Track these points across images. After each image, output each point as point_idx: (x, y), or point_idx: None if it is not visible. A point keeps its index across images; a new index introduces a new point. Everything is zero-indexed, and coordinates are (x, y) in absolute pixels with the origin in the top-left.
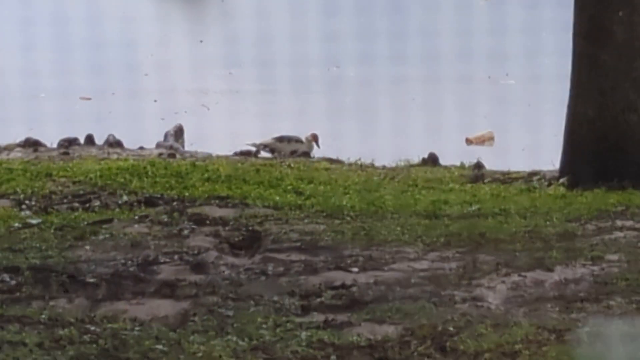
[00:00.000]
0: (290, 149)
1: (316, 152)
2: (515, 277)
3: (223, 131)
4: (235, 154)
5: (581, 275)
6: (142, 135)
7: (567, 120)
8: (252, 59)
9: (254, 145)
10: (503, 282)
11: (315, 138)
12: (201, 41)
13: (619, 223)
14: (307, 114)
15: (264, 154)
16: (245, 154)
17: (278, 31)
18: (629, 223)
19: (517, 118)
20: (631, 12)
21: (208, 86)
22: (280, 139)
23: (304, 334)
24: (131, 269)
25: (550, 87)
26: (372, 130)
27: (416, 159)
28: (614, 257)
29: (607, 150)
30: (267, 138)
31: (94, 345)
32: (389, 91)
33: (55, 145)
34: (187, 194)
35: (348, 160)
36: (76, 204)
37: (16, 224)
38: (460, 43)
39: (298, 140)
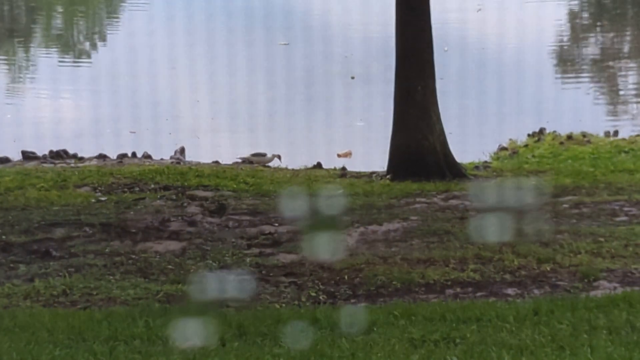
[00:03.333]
0: (260, 161)
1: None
2: (362, 229)
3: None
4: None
5: (397, 227)
6: (161, 151)
7: (391, 143)
8: None
9: (242, 158)
10: (356, 231)
11: (278, 157)
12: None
13: (418, 200)
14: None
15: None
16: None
17: None
18: (423, 200)
19: (366, 142)
20: (425, 87)
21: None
22: (255, 155)
23: (248, 260)
24: (155, 224)
25: (382, 126)
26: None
27: (310, 165)
28: (415, 217)
29: (412, 160)
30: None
31: (134, 266)
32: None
33: (115, 158)
34: (186, 184)
35: (273, 165)
36: (125, 190)
37: (93, 200)
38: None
39: (265, 156)
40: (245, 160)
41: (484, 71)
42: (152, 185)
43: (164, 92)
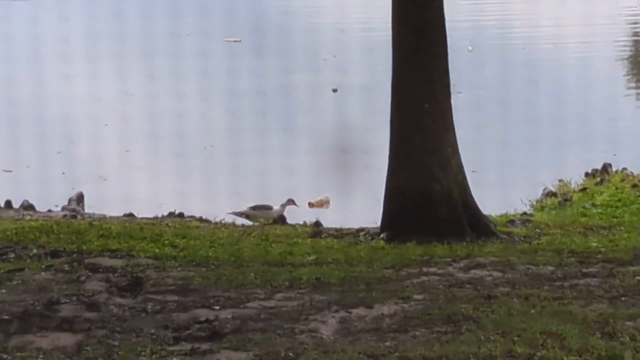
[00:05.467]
0: (266, 216)
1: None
2: (343, 313)
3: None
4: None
5: (394, 311)
6: (50, 199)
7: (386, 188)
8: None
9: (234, 213)
10: (333, 317)
11: (292, 202)
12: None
13: (424, 269)
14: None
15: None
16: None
17: None
18: (432, 269)
19: (350, 184)
20: (434, 105)
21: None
22: (256, 208)
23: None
24: (38, 308)
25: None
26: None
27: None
28: (420, 296)
29: (416, 213)
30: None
31: None
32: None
33: None
34: (84, 247)
35: (215, 220)
36: None
37: None
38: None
39: (268, 208)
40: (243, 215)
41: (524, 81)
42: (35, 250)
43: (55, 112)
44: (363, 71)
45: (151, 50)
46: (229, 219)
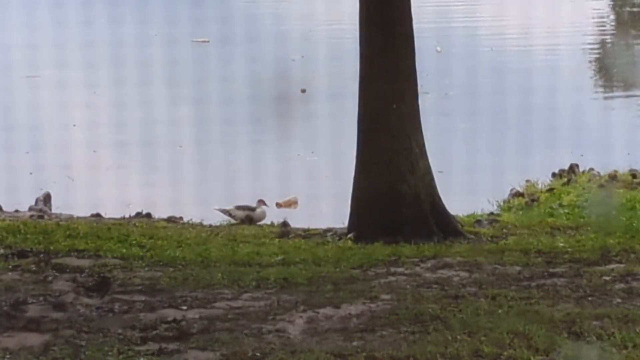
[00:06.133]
0: (251, 218)
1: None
2: (310, 313)
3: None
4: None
5: (362, 311)
6: (16, 200)
7: (354, 188)
8: None
9: (220, 210)
10: (301, 317)
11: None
12: None
13: (392, 270)
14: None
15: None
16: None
17: None
18: (399, 270)
19: (317, 185)
20: (402, 106)
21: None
22: (241, 208)
23: None
24: (4, 308)
25: (342, 161)
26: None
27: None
28: (387, 296)
29: (384, 212)
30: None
31: None
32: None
33: None
34: (52, 247)
35: (182, 220)
36: None
37: None
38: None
39: (252, 209)
40: (227, 213)
41: (492, 83)
42: (2, 251)
43: (24, 114)
44: (332, 72)
45: (120, 51)
46: (197, 219)
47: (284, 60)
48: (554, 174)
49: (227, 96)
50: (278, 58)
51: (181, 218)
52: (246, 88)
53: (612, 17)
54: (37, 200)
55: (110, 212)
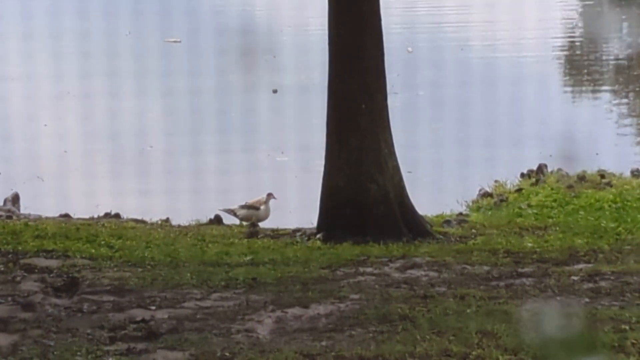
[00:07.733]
0: (249, 214)
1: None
2: (279, 313)
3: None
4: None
5: (330, 311)
6: None
7: (322, 188)
8: None
9: (224, 210)
10: (269, 317)
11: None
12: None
13: (360, 269)
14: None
15: None
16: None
17: None
18: (368, 269)
19: (286, 184)
20: (371, 106)
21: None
22: (246, 207)
23: None
24: None
25: (312, 160)
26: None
27: (204, 220)
28: (356, 296)
29: (352, 213)
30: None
31: None
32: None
33: None
34: (20, 248)
35: (150, 220)
36: None
37: None
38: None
39: (256, 208)
40: (232, 213)
41: (461, 82)
42: None
43: None
44: (303, 72)
45: (91, 49)
46: (175, 220)
47: (255, 61)
48: (522, 175)
49: (197, 98)
50: (249, 58)
51: (150, 219)
52: (218, 89)
53: (580, 10)
54: (5, 201)
55: (79, 212)
